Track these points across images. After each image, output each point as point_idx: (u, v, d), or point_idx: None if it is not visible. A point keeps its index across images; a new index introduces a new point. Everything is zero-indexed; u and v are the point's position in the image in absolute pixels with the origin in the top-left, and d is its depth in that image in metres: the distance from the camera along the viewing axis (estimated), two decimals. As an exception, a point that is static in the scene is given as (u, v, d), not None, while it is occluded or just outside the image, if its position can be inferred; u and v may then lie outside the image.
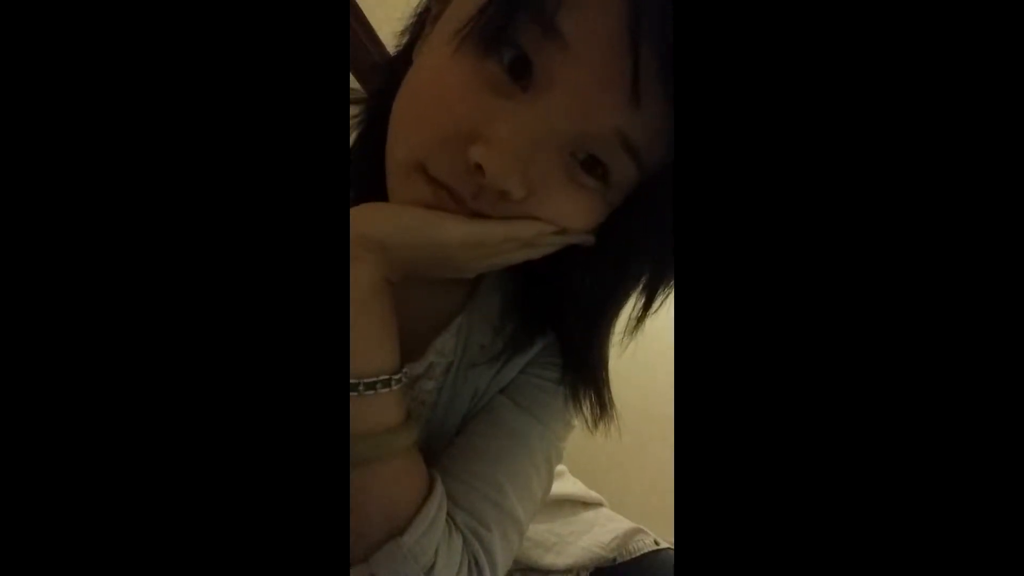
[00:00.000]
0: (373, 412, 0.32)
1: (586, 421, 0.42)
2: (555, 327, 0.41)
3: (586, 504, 0.59)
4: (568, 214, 0.32)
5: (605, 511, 0.59)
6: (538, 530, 0.54)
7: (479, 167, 0.29)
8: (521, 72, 0.29)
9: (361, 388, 0.31)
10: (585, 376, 0.40)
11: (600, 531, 0.55)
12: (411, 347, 0.38)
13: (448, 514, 0.34)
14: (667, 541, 0.54)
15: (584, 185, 0.32)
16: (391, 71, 0.37)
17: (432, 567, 0.31)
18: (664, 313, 0.39)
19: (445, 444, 0.40)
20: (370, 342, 0.32)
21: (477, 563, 0.34)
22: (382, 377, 0.31)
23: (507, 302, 0.42)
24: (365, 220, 0.31)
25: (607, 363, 0.41)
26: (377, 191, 0.35)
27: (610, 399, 0.41)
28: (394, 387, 0.32)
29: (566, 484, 0.62)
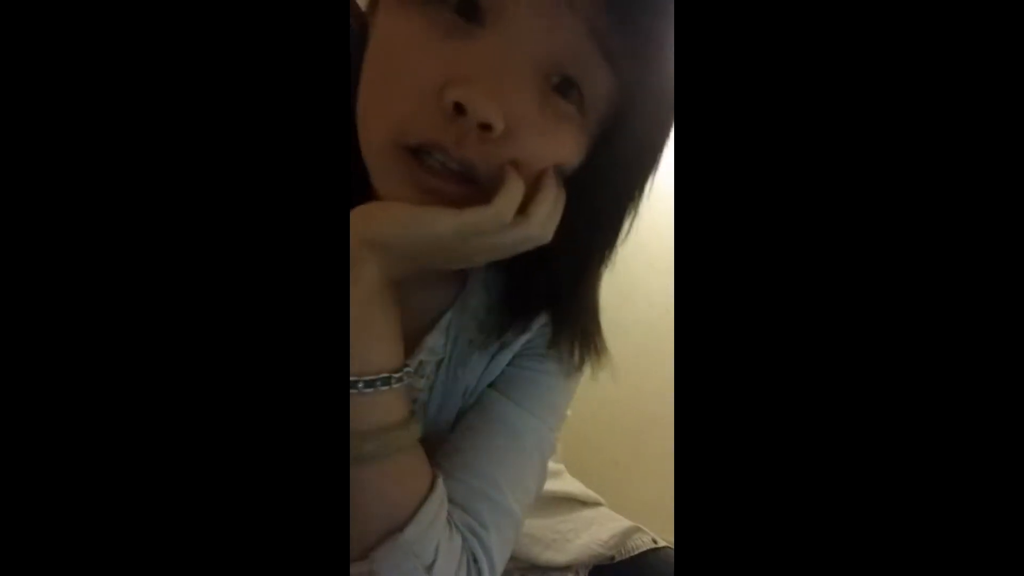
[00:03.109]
0: (376, 410, 0.32)
1: (577, 366, 0.42)
2: (543, 287, 0.40)
3: (585, 503, 0.59)
4: (549, 147, 0.32)
5: (604, 510, 0.59)
6: (537, 527, 0.54)
7: (458, 107, 0.28)
8: (471, 10, 0.29)
9: (361, 386, 0.31)
10: (575, 318, 0.40)
11: (599, 529, 0.55)
12: None
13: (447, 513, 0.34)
14: (665, 540, 0.54)
15: (562, 114, 0.31)
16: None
17: (432, 564, 0.31)
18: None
19: (439, 441, 0.40)
20: (373, 341, 0.32)
21: (476, 562, 0.34)
22: (382, 375, 0.31)
23: (493, 296, 0.42)
24: (364, 221, 0.31)
25: (596, 306, 0.41)
26: (361, 187, 0.34)
27: (602, 343, 0.41)
28: (394, 385, 0.32)
29: (565, 483, 0.62)
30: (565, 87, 0.30)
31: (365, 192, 0.33)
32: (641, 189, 0.36)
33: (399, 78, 0.29)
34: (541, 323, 0.41)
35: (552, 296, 0.40)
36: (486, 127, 0.29)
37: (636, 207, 0.37)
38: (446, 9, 0.29)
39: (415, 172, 0.31)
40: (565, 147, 0.32)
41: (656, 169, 0.36)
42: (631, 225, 0.38)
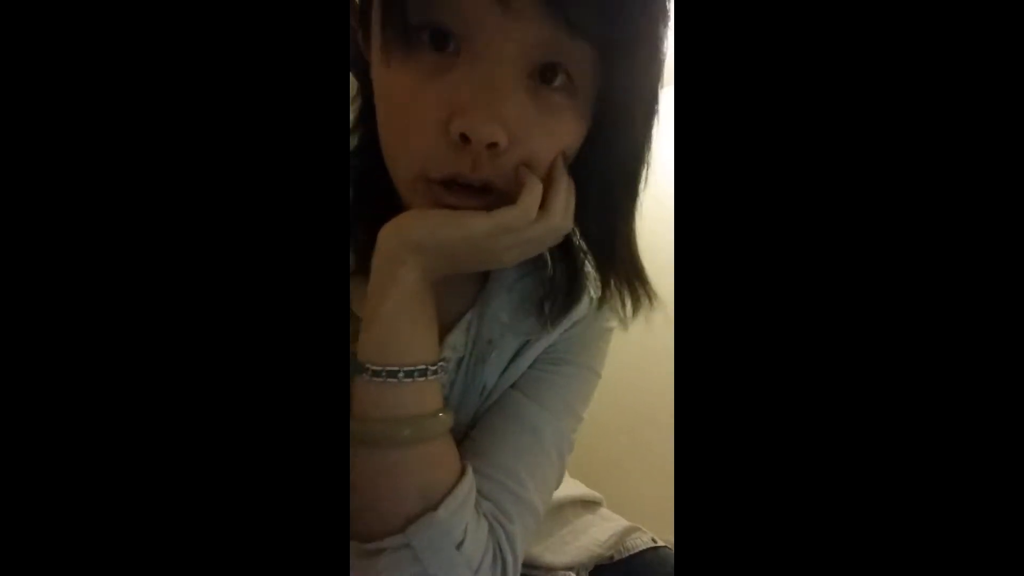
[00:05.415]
0: (414, 398, 0.35)
1: (626, 317, 0.44)
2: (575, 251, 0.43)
3: (585, 504, 0.60)
4: (552, 139, 0.34)
5: (603, 511, 0.60)
6: (538, 528, 0.55)
7: (464, 137, 0.31)
8: (443, 40, 0.31)
9: (402, 375, 0.34)
10: (618, 270, 0.42)
11: (598, 530, 0.55)
12: None
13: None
14: (665, 540, 0.55)
15: (555, 103, 0.33)
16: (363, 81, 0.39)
17: (462, 543, 0.34)
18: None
19: (458, 437, 0.41)
20: (414, 334, 0.35)
21: (500, 550, 0.36)
22: (419, 367, 0.35)
23: (514, 298, 0.44)
24: (403, 227, 0.35)
25: (637, 254, 0.42)
26: (388, 200, 0.37)
27: (650, 290, 0.43)
28: (431, 376, 0.35)
29: (566, 484, 0.62)
30: (550, 74, 0.32)
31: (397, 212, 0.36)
32: (648, 141, 0.38)
33: (409, 124, 0.33)
34: (562, 328, 0.44)
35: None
36: (492, 145, 0.31)
37: (647, 160, 0.39)
38: (424, 49, 0.31)
39: (443, 198, 0.34)
40: (566, 134, 0.35)
41: (656, 120, 0.37)
42: (647, 175, 0.40)
